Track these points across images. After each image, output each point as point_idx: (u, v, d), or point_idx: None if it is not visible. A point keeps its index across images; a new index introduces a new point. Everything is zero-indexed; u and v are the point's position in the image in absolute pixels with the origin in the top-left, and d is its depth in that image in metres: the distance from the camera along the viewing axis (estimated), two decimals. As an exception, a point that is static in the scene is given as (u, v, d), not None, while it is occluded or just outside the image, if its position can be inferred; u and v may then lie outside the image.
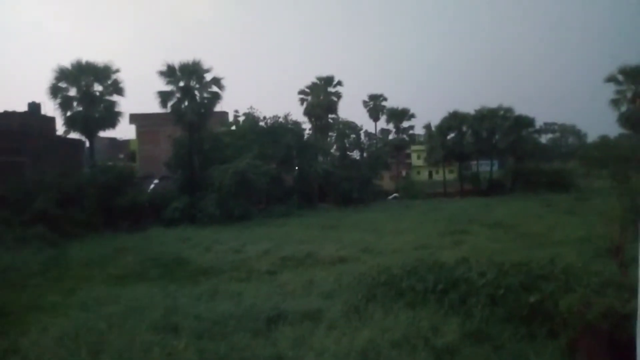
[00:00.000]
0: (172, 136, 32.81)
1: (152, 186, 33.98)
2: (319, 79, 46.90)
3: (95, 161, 30.18)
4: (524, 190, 40.68)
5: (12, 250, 17.60)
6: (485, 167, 53.09)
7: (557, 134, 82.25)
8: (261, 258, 16.16)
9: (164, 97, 30.73)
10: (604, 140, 45.31)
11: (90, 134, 31.82)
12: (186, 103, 30.79)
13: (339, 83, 47.23)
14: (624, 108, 37.32)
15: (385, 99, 56.23)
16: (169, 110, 31.11)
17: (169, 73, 30.44)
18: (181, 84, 30.72)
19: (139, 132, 43.20)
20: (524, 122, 47.19)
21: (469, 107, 57.61)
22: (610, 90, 37.86)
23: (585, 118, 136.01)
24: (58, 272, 15.36)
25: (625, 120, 37.11)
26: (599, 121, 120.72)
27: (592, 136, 69.37)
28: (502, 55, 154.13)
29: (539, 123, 50.86)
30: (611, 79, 37.58)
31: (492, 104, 48.78)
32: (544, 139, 65.49)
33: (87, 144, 33.30)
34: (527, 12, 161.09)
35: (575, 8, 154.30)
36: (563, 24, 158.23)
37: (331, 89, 46.98)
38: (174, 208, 26.90)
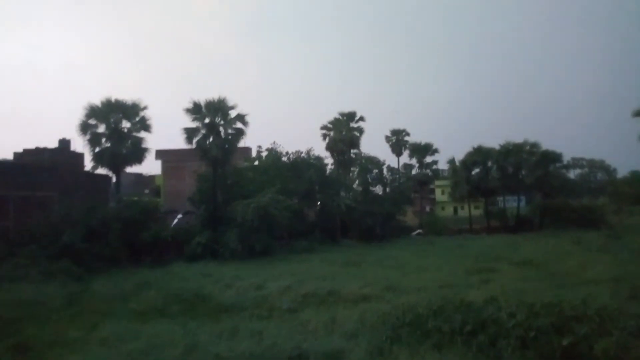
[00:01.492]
0: (196, 171, 33.35)
1: (175, 221, 34.33)
2: (341, 114, 47.46)
3: (121, 196, 30.77)
4: (552, 227, 39.59)
5: (37, 284, 17.84)
6: (512, 203, 51.98)
7: (586, 169, 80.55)
8: (283, 295, 15.92)
9: (189, 133, 31.41)
10: (634, 176, 44.13)
11: (117, 169, 32.62)
12: (211, 139, 31.37)
13: (361, 118, 47.70)
14: (654, 143, 36.36)
15: (407, 134, 56.30)
16: (194, 146, 31.74)
17: (195, 110, 31.20)
18: (206, 120, 31.41)
19: (164, 168, 44.06)
20: (551, 157, 46.35)
21: (494, 141, 56.93)
22: (638, 125, 37.09)
23: (614, 153, 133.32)
24: (81, 306, 15.45)
25: (656, 155, 36.11)
26: (628, 156, 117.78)
27: (621, 172, 67.67)
28: (528, 89, 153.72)
29: (566, 158, 49.92)
30: (639, 113, 36.87)
31: (518, 138, 48.17)
32: (572, 174, 64.25)
33: (114, 179, 34.11)
34: (554, 48, 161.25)
35: (602, 44, 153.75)
36: (591, 59, 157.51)
37: (353, 124, 47.39)
38: (196, 243, 27.01)
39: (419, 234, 43.25)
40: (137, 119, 32.76)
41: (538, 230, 40.33)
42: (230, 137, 31.87)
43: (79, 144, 39.44)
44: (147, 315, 13.86)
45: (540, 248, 25.85)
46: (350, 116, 47.28)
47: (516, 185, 47.58)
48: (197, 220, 31.37)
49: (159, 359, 8.77)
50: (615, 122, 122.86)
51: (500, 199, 54.55)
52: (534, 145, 46.65)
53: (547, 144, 47.23)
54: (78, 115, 31.71)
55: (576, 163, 71.87)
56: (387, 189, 42.47)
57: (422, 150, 54.26)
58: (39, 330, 12.46)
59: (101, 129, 32.02)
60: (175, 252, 26.56)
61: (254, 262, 24.20)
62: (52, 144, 34.20)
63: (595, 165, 78.45)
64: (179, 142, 33.80)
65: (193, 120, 31.42)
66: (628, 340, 6.90)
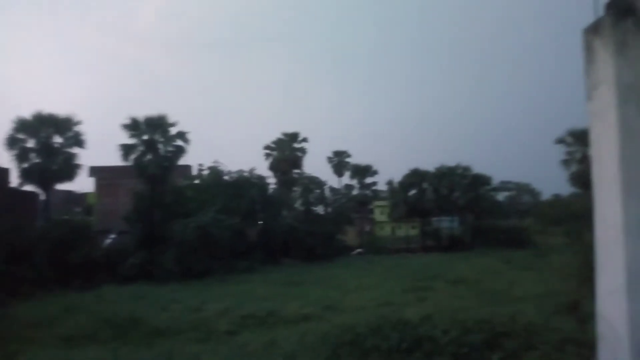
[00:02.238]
0: (133, 189, 32.15)
1: (108, 241, 32.77)
2: (285, 134, 47.81)
3: (50, 215, 29.01)
4: (483, 246, 41.52)
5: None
6: (446, 223, 54.16)
7: (513, 192, 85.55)
8: (221, 317, 15.59)
9: (126, 150, 30.38)
10: (557, 199, 47.41)
11: (47, 186, 30.87)
12: (149, 156, 30.50)
13: (305, 139, 48.29)
14: (574, 168, 39.48)
15: (349, 156, 57.60)
16: (131, 163, 30.68)
17: (133, 126, 30.30)
18: (145, 137, 30.56)
19: (98, 185, 42.10)
20: (482, 181, 49.04)
21: (430, 164, 59.38)
22: (561, 152, 40.15)
23: (538, 177, 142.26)
24: (1, 334, 14.28)
25: (575, 179, 39.15)
26: (551, 180, 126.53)
27: (545, 194, 72.31)
28: (462, 115, 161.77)
29: (495, 181, 52.87)
30: (561, 141, 39.96)
31: (452, 162, 50.58)
32: (500, 196, 67.85)
33: (43, 196, 32.16)
34: (483, 78, 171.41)
35: (529, 76, 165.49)
36: (519, 90, 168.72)
37: (296, 145, 47.85)
38: (130, 264, 25.89)
39: (359, 253, 43.87)
40: (70, 134, 31.28)
41: (470, 250, 42.14)
42: (169, 154, 31.14)
43: (5, 160, 36.91)
44: (75, 341, 13.05)
45: (472, 267, 27.05)
46: (294, 136, 47.71)
47: (450, 207, 49.77)
48: (132, 240, 30.08)
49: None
50: (540, 149, 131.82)
51: (435, 219, 56.72)
52: (466, 168, 49.21)
53: (477, 168, 49.85)
54: (5, 129, 29.89)
55: (504, 186, 76.04)
56: (329, 209, 42.88)
57: (363, 172, 55.72)
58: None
59: (30, 143, 30.30)
60: (108, 273, 25.25)
61: (192, 284, 23.52)
62: (-27, 159, 31.76)
63: (522, 189, 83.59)
64: (115, 159, 32.40)
65: (131, 136, 30.49)
66: (552, 354, 7.37)
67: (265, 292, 20.30)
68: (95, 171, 40.57)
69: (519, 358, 7.72)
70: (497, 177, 54.61)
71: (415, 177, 48.96)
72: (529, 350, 7.81)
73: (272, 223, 35.53)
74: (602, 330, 3.13)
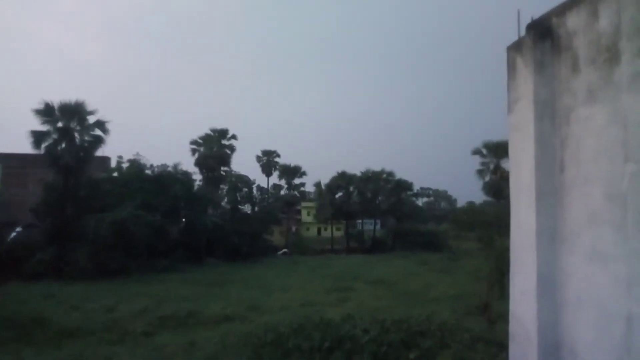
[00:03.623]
0: (43, 180, 29.79)
1: (13, 234, 30.13)
2: (213, 130, 46.63)
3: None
4: (402, 248, 43.19)
5: None
6: (369, 226, 55.74)
7: (432, 198, 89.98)
8: (137, 317, 14.88)
9: (38, 137, 28.04)
10: (470, 206, 50.32)
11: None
12: (63, 145, 28.40)
13: (234, 137, 47.35)
14: (487, 178, 42.14)
15: (278, 156, 57.25)
16: (42, 151, 28.40)
17: (47, 112, 28.04)
18: (60, 124, 28.41)
19: (4, 174, 38.55)
20: (404, 186, 51.13)
21: (357, 168, 60.82)
22: (476, 162, 42.68)
23: (455, 185, 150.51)
24: None
25: (488, 188, 41.77)
26: (467, 188, 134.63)
27: (461, 201, 76.73)
28: (389, 122, 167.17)
29: (416, 187, 55.34)
30: (477, 152, 42.44)
31: (377, 167, 52.18)
32: (420, 202, 71.14)
33: None
34: (410, 88, 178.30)
35: (452, 88, 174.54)
36: (439, 100, 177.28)
37: (225, 142, 46.81)
38: (38, 260, 23.98)
39: (284, 253, 43.90)
40: (-28, 115, 28.37)
41: (390, 252, 43.66)
42: (86, 144, 29.17)
43: None
44: (-33, 344, 11.85)
45: (392, 268, 28.03)
46: (222, 133, 46.66)
47: (373, 210, 51.32)
48: (41, 235, 27.83)
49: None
50: (458, 158, 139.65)
51: (359, 221, 58.16)
52: (390, 174, 51.00)
53: (400, 174, 51.97)
54: None
55: (424, 192, 79.93)
56: (256, 208, 42.46)
57: (291, 172, 55.55)
58: None
59: None
60: (12, 270, 23.17)
61: (107, 283, 22.27)
62: None
63: (440, 195, 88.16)
64: (25, 147, 29.83)
65: (43, 123, 28.20)
66: (463, 352, 7.80)
67: (186, 292, 19.71)
68: (1, 158, 37.21)
69: (433, 356, 8.08)
70: (417, 184, 57.36)
71: (342, 180, 49.94)
72: (443, 349, 8.21)
73: (196, 221, 34.51)
74: (513, 329, 3.35)
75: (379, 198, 51.25)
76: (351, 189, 50.64)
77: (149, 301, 17.15)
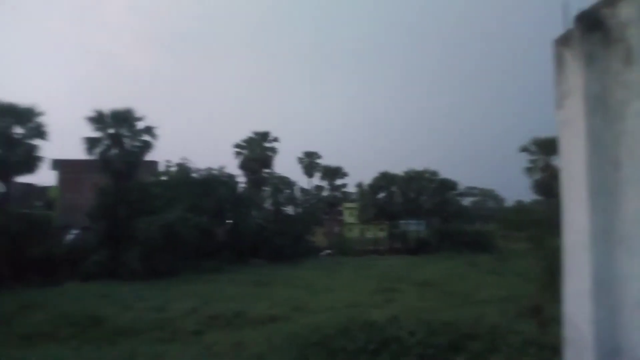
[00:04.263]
0: (97, 185, 31.25)
1: (71, 237, 31.74)
2: (256, 133, 47.46)
3: (9, 208, 27.81)
4: (448, 249, 42.30)
5: None
6: (413, 227, 55.00)
7: (478, 198, 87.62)
8: (187, 317, 15.35)
9: (91, 143, 29.52)
10: (519, 205, 48.78)
11: (6, 178, 29.60)
12: (115, 151, 29.75)
13: (275, 139, 48.04)
14: (536, 176, 40.72)
15: (319, 157, 57.53)
16: (96, 157, 29.84)
17: (98, 119, 29.47)
18: (111, 131, 29.77)
19: (61, 179, 40.75)
20: (448, 185, 50.09)
21: (399, 168, 60.24)
22: (524, 160, 41.36)
23: (502, 184, 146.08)
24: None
25: (537, 187, 40.39)
26: (515, 187, 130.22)
27: (509, 201, 74.32)
28: (432, 120, 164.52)
29: (461, 187, 54.03)
30: (525, 149, 41.17)
31: (420, 166, 51.41)
32: (466, 201, 69.38)
33: (2, 189, 30.84)
34: (455, 86, 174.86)
35: (497, 84, 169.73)
36: (485, 97, 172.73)
37: (267, 144, 47.56)
38: (93, 261, 25.16)
39: (327, 254, 43.99)
40: (32, 125, 30.06)
41: (436, 253, 42.89)
42: (136, 149, 30.43)
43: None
44: (33, 340, 12.60)
45: (438, 269, 27.53)
46: (264, 136, 47.42)
47: (417, 210, 50.58)
48: (96, 237, 29.23)
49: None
50: (505, 156, 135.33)
51: (402, 222, 57.52)
52: (433, 173, 50.13)
53: (444, 173, 50.95)
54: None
55: (470, 191, 77.87)
56: (299, 210, 42.77)
57: (333, 173, 55.79)
58: None
59: (-12, 134, 28.91)
60: (70, 271, 24.44)
61: (157, 283, 23.05)
62: None
63: (486, 194, 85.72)
64: (79, 153, 31.41)
65: (96, 129, 29.65)
66: (516, 356, 7.57)
67: (233, 292, 20.09)
68: (58, 164, 39.27)
69: (483, 360, 7.89)
70: (463, 183, 56.01)
71: (385, 180, 49.54)
72: (493, 353, 8.00)
73: (241, 223, 35.18)
74: (568, 333, 3.22)
75: (423, 198, 50.49)
76: (394, 189, 50.13)
77: (198, 301, 17.61)
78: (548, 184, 39.45)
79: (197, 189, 33.57)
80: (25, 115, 29.62)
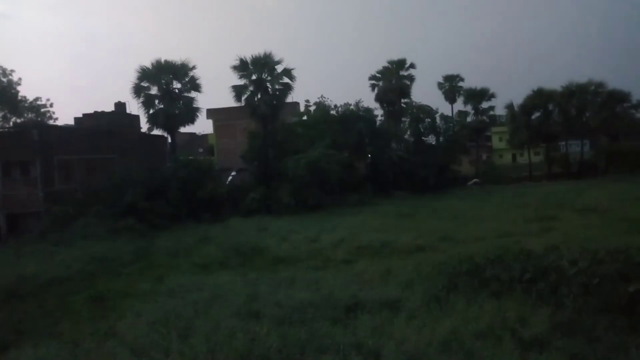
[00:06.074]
0: (247, 129, 33.75)
1: (229, 178, 35.21)
2: (390, 62, 46.02)
3: (176, 156, 31.72)
4: (619, 172, 37.36)
5: (106, 241, 19.07)
6: (575, 148, 49.34)
7: (657, 109, 74.27)
8: (337, 247, 16.18)
9: (238, 91, 31.64)
10: None
11: (172, 130, 33.51)
12: (259, 96, 31.51)
13: (412, 66, 46.10)
14: None
15: (461, 79, 53.67)
16: (243, 103, 32.01)
17: (242, 67, 31.23)
18: (254, 77, 31.44)
19: (215, 127, 44.86)
20: (619, 97, 43.01)
21: (555, 83, 53.41)
22: None
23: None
24: (147, 261, 16.42)
25: None
26: None
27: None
28: (589, 23, 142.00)
29: (635, 97, 46.08)
30: None
31: (581, 79, 44.89)
32: (641, 115, 59.53)
33: (169, 139, 35.15)
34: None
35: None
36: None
37: (403, 73, 45.97)
38: (251, 199, 27.67)
39: (475, 183, 42.12)
40: (187, 79, 33.17)
41: (603, 176, 38.23)
42: (277, 92, 31.85)
43: (134, 107, 40.73)
44: (208, 267, 14.55)
45: (606, 194, 24.51)
46: (400, 64, 45.79)
47: (580, 129, 44.84)
48: (251, 177, 32.05)
49: (223, 307, 9.20)
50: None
51: (562, 143, 51.87)
52: (600, 85, 43.44)
53: (613, 83, 43.60)
54: (132, 78, 32.55)
55: (646, 102, 66.46)
56: (441, 139, 41.08)
57: (478, 96, 51.49)
58: (112, 283, 13.42)
59: (153, 90, 32.70)
60: (231, 208, 27.37)
61: (307, 216, 24.56)
62: (109, 107, 35.44)
63: (669, 104, 72.13)
64: (229, 101, 34.00)
65: (240, 77, 31.57)
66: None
67: (378, 224, 20.46)
68: (212, 113, 43.12)
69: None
70: (637, 93, 47.79)
71: (539, 98, 44.45)
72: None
73: (382, 156, 35.24)
74: None
75: (587, 114, 44.44)
76: (550, 107, 44.85)
77: (345, 232, 18.37)
78: None
79: (336, 125, 34.24)
80: (180, 71, 32.75)
